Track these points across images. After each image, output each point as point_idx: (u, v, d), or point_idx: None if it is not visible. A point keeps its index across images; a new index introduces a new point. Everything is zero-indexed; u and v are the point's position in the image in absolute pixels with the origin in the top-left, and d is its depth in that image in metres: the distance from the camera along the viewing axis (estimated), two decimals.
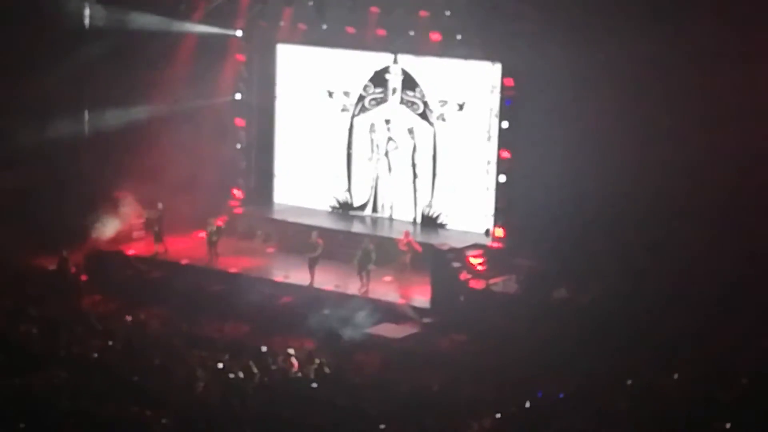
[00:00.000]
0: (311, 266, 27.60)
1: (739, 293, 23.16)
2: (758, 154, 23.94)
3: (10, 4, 28.59)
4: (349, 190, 32.23)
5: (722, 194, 24.08)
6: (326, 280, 27.47)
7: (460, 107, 30.33)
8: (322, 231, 28.92)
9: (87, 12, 30.11)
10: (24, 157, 28.61)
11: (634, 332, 22.68)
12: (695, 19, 23.55)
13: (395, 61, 31.04)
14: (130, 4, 29.44)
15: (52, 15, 29.02)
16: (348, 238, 29.19)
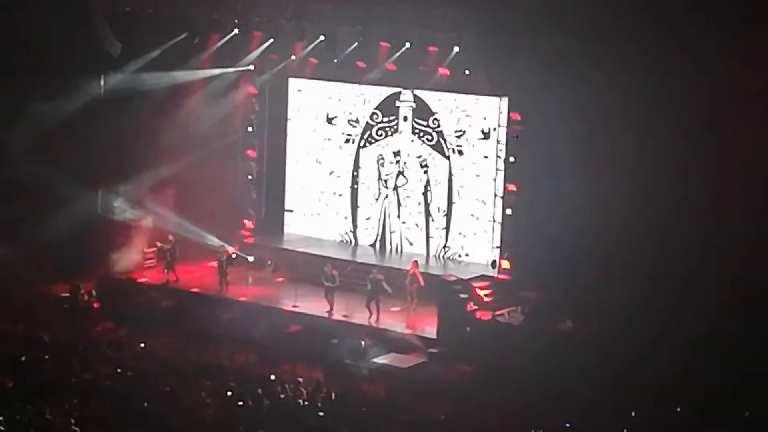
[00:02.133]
0: (327, 296, 27.76)
1: (742, 326, 23.32)
2: (759, 186, 24.19)
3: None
4: (354, 231, 31.77)
5: (727, 227, 24.29)
6: (335, 309, 27.75)
7: (485, 135, 29.57)
8: (331, 261, 29.21)
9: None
10: (37, 185, 28.96)
11: (638, 364, 22.87)
12: (704, 57, 23.83)
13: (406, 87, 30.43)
14: (147, 40, 29.88)
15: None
16: (357, 269, 29.44)
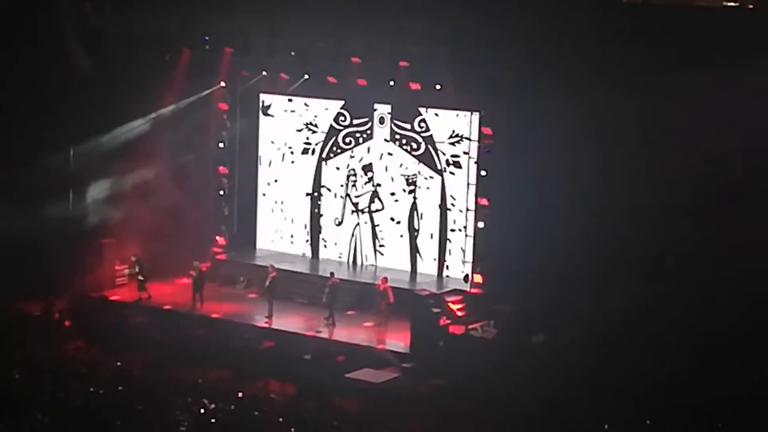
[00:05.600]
0: (268, 299, 27.57)
1: (715, 338, 23.51)
2: (741, 200, 24.41)
3: None
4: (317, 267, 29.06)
5: (702, 238, 24.52)
6: (307, 325, 27.77)
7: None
8: (304, 277, 29.13)
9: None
10: (8, 202, 28.84)
11: (610, 376, 23.00)
12: (679, 70, 24.07)
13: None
14: (118, 57, 29.82)
15: None
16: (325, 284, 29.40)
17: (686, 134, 24.39)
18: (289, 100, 30.53)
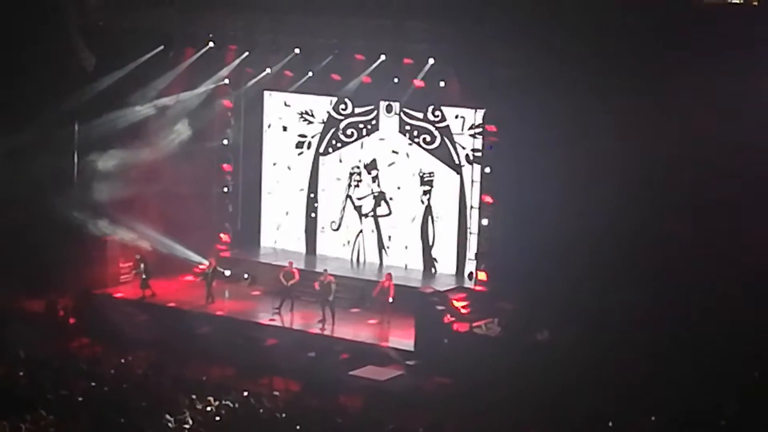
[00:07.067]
0: (290, 297, 27.55)
1: (718, 335, 23.50)
2: (738, 199, 24.39)
3: None
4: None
5: (704, 234, 24.50)
6: (311, 322, 27.77)
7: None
8: (307, 274, 29.19)
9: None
10: (12, 199, 28.87)
11: (614, 374, 22.99)
12: (679, 68, 24.07)
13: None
14: (122, 54, 29.81)
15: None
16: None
17: (692, 131, 24.35)
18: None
